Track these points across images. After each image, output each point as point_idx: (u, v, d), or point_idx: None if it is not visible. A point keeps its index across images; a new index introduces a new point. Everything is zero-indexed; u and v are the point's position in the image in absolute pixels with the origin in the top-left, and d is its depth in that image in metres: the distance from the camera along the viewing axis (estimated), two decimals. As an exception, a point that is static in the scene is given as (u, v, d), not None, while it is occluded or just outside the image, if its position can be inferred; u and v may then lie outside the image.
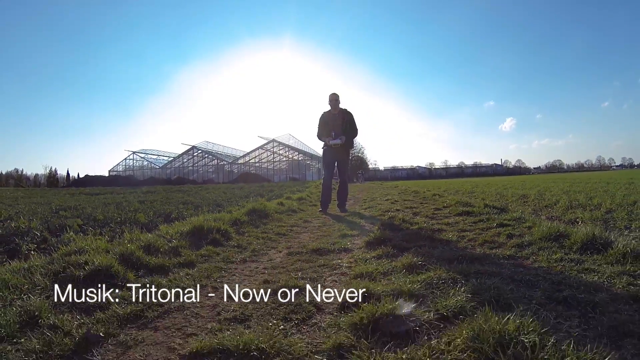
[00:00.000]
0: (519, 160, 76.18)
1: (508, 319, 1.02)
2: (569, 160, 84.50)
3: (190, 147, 40.21)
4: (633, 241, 1.88)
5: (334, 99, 4.93)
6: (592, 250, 1.92)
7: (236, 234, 2.98)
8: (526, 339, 0.92)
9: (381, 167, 71.89)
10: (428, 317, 1.20)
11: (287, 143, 40.16)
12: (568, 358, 0.86)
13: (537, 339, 0.92)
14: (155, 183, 27.08)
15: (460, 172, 68.73)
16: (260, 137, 41.19)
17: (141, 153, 41.66)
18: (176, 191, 11.31)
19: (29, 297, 1.40)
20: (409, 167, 72.72)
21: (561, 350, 0.90)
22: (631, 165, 70.68)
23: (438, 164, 76.60)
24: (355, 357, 0.99)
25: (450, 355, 0.96)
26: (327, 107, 5.03)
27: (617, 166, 72.32)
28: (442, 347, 1.00)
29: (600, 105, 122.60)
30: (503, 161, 73.74)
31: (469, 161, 76.69)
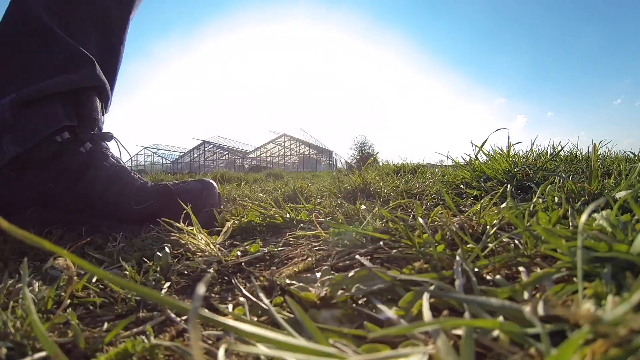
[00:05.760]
0: (534, 157, 77.79)
1: None
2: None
3: (201, 141, 40.83)
4: None
5: None
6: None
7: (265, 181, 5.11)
8: None
9: (391, 164, 74.49)
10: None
11: (298, 137, 40.33)
12: None
13: None
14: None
15: (474, 169, 71.57)
16: (271, 132, 41.19)
17: (152, 148, 42.21)
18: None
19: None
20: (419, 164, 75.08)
21: None
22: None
23: (448, 162, 77.35)
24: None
25: None
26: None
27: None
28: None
29: (612, 103, 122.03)
30: (518, 158, 75.48)
31: (481, 159, 77.70)
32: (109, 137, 0.80)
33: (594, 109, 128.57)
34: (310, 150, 40.76)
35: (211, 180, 0.82)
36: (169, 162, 42.56)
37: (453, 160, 1.30)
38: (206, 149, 41.79)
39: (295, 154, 41.20)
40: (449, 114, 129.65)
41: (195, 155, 41.94)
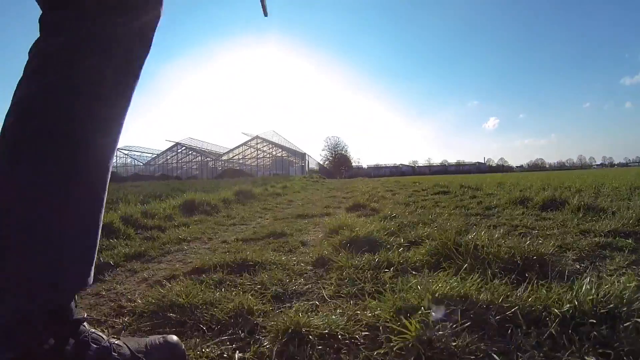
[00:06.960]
0: (502, 159, 76.01)
1: (460, 232, 1.35)
2: (551, 159, 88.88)
3: (174, 143, 39.14)
4: (586, 198, 2.29)
5: None
6: (551, 207, 2.29)
7: (225, 208, 3.34)
8: (472, 242, 1.16)
9: (364, 165, 70.13)
10: (399, 241, 1.48)
11: (270, 139, 39.71)
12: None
13: (485, 238, 1.20)
14: (140, 179, 25.75)
15: (444, 170, 66.80)
16: (244, 134, 40.53)
17: (125, 150, 39.72)
18: (164, 185, 9.52)
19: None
20: (392, 165, 71.35)
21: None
22: (611, 164, 73.05)
23: (421, 162, 74.82)
24: (336, 261, 1.19)
25: (415, 257, 1.20)
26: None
27: (597, 165, 74.67)
28: (409, 254, 1.25)
29: (581, 106, 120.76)
30: (486, 160, 73.26)
31: (452, 160, 76.65)
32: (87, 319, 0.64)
33: (564, 112, 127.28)
34: (283, 152, 41.37)
35: (178, 343, 0.70)
36: (141, 164, 41.42)
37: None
38: (179, 150, 41.06)
39: (268, 156, 41.42)
40: (422, 116, 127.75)
41: (168, 157, 41.36)
